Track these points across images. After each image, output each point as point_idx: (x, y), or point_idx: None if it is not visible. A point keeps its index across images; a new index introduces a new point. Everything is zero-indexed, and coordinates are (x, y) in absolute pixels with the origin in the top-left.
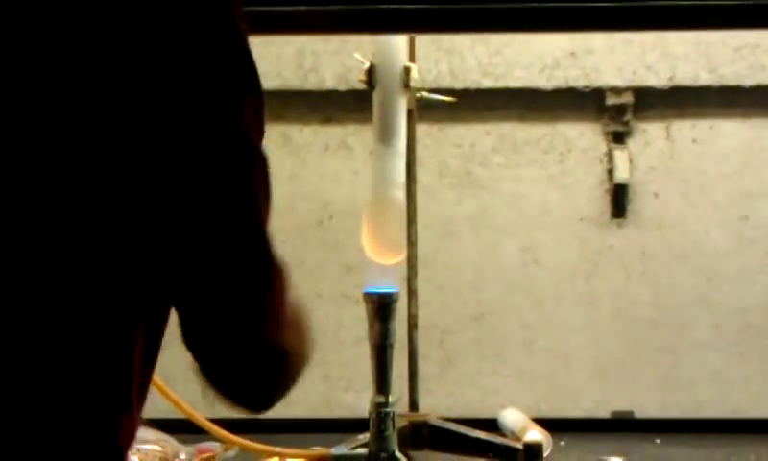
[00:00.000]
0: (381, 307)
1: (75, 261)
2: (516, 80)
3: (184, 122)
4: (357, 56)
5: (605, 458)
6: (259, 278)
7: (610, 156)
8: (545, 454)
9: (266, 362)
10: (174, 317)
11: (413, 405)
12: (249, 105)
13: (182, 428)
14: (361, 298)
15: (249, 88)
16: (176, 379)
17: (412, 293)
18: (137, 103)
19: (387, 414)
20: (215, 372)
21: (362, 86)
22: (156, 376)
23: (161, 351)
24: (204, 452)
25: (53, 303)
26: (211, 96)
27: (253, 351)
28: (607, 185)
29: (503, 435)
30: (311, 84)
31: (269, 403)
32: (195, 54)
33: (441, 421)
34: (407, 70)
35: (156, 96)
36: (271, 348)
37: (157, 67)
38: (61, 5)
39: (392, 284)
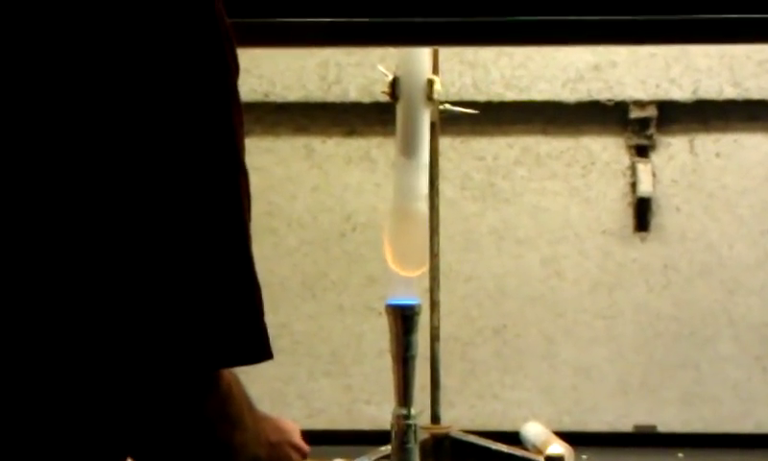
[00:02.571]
0: (404, 319)
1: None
2: (540, 93)
3: (177, 135)
4: (381, 68)
5: None
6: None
7: (633, 169)
8: None
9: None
10: None
11: (435, 418)
12: (237, 119)
13: None
14: (383, 310)
15: (237, 105)
16: None
17: (434, 305)
18: (126, 114)
19: (409, 426)
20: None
21: (385, 99)
22: None
23: None
24: None
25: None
26: (205, 110)
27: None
28: (630, 199)
29: (525, 448)
30: (334, 96)
31: None
32: (190, 65)
33: (462, 434)
34: (430, 83)
35: (149, 106)
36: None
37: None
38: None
39: (414, 296)
